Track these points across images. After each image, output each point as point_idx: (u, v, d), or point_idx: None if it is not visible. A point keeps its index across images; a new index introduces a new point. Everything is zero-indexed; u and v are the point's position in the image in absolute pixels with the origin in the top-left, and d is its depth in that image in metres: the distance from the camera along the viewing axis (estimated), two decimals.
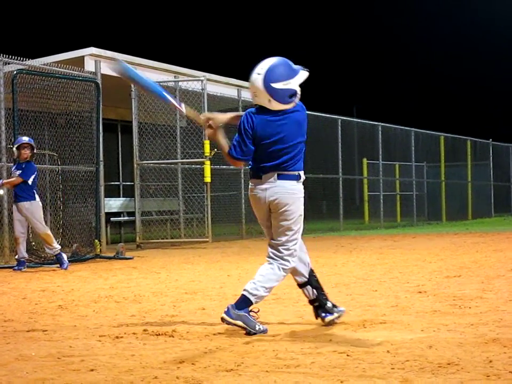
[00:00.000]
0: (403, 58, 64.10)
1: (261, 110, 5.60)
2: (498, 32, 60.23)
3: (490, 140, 33.20)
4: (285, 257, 5.62)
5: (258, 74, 5.53)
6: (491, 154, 33.07)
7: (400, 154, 27.75)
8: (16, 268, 11.64)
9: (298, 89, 5.59)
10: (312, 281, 5.84)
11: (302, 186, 5.69)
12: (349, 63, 62.52)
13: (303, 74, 5.62)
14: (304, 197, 5.72)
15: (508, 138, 35.98)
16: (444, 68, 63.85)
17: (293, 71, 5.59)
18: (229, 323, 5.51)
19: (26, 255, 11.82)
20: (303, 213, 5.68)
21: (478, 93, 61.86)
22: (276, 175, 5.58)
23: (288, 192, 5.58)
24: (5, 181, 12.02)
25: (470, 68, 61.16)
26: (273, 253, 5.66)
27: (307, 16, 68.03)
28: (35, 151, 12.00)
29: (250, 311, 5.56)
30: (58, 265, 11.85)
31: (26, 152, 11.71)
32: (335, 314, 5.79)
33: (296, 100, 5.61)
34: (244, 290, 5.57)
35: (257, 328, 5.48)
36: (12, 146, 12.31)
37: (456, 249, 13.94)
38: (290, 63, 5.65)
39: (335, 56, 61.10)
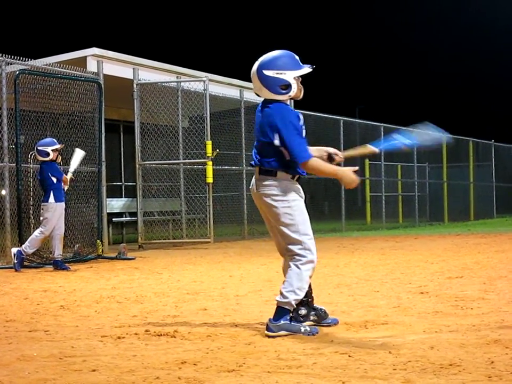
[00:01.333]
0: (405, 59, 64.10)
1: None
2: (501, 33, 60.23)
3: (493, 140, 33.18)
4: (297, 253, 5.51)
5: (257, 61, 5.57)
6: (493, 155, 33.05)
7: (402, 155, 27.73)
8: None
9: (293, 83, 5.52)
10: None
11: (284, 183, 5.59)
12: (351, 64, 62.54)
13: (303, 70, 5.58)
14: (305, 197, 5.70)
15: (510, 139, 35.96)
16: (446, 69, 63.86)
17: (293, 64, 5.55)
18: (274, 337, 5.42)
19: None
20: (292, 205, 5.55)
21: (481, 93, 61.87)
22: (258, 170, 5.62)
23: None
24: (67, 177, 12.11)
25: (472, 68, 61.15)
26: (287, 254, 5.61)
27: (310, 17, 68.06)
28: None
29: (292, 317, 5.53)
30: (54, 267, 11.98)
31: (57, 154, 11.91)
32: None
33: (291, 93, 5.54)
34: (276, 301, 5.53)
35: (302, 330, 5.43)
36: (13, 146, 12.35)
37: (458, 250, 13.93)
38: (296, 58, 5.60)
39: (337, 57, 61.11)
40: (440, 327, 5.57)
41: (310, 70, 5.60)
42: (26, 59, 13.58)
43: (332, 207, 24.04)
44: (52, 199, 11.78)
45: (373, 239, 18.79)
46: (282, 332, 5.41)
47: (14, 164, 12.70)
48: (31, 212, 13.06)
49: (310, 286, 5.74)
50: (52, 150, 11.78)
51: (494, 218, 32.02)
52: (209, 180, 16.56)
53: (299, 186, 5.66)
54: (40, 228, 11.85)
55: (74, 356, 4.85)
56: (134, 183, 17.81)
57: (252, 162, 5.67)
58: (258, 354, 4.78)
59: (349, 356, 4.63)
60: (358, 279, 9.17)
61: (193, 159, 17.66)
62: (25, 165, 13.14)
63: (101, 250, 13.90)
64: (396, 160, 27.61)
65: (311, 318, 5.77)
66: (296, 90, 5.56)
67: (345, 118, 24.35)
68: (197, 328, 5.80)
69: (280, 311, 5.47)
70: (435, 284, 8.47)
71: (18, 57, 13.34)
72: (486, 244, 15.31)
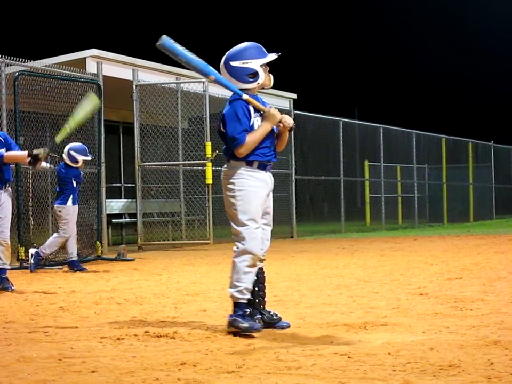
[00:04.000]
0: (404, 60, 64.13)
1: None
2: (500, 35, 60.26)
3: (492, 142, 33.20)
4: (235, 243, 5.70)
5: (224, 55, 5.71)
6: (493, 156, 33.06)
7: (401, 156, 27.76)
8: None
9: (260, 70, 5.65)
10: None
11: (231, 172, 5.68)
12: (350, 65, 62.55)
13: (269, 57, 5.70)
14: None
15: (510, 141, 35.99)
16: (445, 70, 63.88)
17: (258, 53, 5.69)
18: (230, 333, 5.55)
19: None
20: (237, 194, 5.65)
21: (480, 95, 61.89)
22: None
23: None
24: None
25: (471, 69, 61.18)
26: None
27: (308, 18, 68.08)
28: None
29: (244, 314, 5.56)
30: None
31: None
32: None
33: (259, 81, 5.67)
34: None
35: (241, 326, 5.48)
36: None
37: (457, 251, 13.93)
38: (261, 47, 5.74)
39: (336, 58, 61.12)
40: (440, 328, 5.57)
41: (275, 56, 5.72)
42: (26, 60, 13.57)
43: (332, 208, 24.04)
44: (70, 202, 11.86)
45: (373, 240, 18.80)
46: (232, 329, 5.53)
47: (14, 165, 12.68)
48: (31, 213, 13.05)
49: (262, 288, 5.82)
50: (82, 160, 11.91)
51: (494, 219, 32.02)
52: (209, 181, 16.57)
53: (260, 173, 5.67)
54: (59, 230, 11.90)
55: (74, 357, 4.85)
56: (134, 184, 17.81)
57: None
58: (258, 356, 4.78)
59: (349, 357, 4.63)
60: (357, 280, 9.17)
61: (193, 160, 17.67)
62: (25, 167, 13.12)
63: (100, 252, 13.89)
64: (395, 162, 27.62)
65: (257, 321, 5.73)
66: (264, 78, 5.70)
67: (345, 119, 24.36)
68: (196, 329, 5.80)
69: (234, 306, 5.64)
70: (434, 285, 8.47)
71: (17, 58, 13.33)
72: (485, 245, 15.31)
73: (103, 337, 5.58)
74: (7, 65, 13.15)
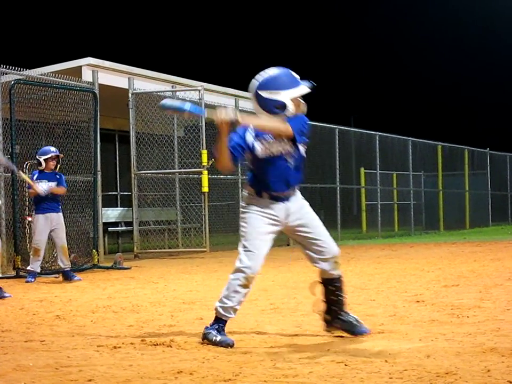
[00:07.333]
0: (400, 68, 64.23)
1: None
2: (497, 41, 60.41)
3: (488, 149, 33.22)
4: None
5: (255, 79, 5.52)
6: (488, 163, 33.08)
7: (397, 163, 27.76)
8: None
9: (289, 103, 5.44)
10: None
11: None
12: (346, 73, 62.65)
13: (300, 89, 5.50)
14: None
15: (506, 148, 36.00)
16: (440, 77, 64.01)
17: (288, 83, 5.47)
18: (203, 344, 5.54)
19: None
20: (245, 216, 5.64)
21: (476, 102, 62.01)
22: None
23: None
24: (54, 188, 11.90)
25: (467, 77, 61.30)
26: None
27: (305, 26, 68.22)
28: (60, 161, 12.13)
29: (219, 328, 5.54)
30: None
31: (53, 163, 11.82)
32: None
33: (287, 113, 5.45)
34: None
35: (213, 340, 5.46)
36: (9, 156, 12.33)
37: (454, 258, 13.93)
38: (293, 75, 5.53)
39: (332, 66, 61.21)
40: (436, 336, 5.57)
41: (308, 90, 5.52)
42: (22, 69, 13.57)
43: (328, 216, 23.97)
44: (34, 211, 11.87)
45: (369, 248, 18.80)
46: (205, 341, 5.52)
47: (10, 174, 12.68)
48: (27, 222, 13.04)
49: (339, 295, 5.79)
50: (44, 160, 11.78)
51: (490, 226, 32.01)
52: (205, 189, 16.58)
53: (268, 202, 5.61)
54: None
55: (70, 366, 4.85)
56: (130, 193, 17.80)
57: None
58: (255, 364, 4.78)
59: (345, 365, 4.64)
60: (354, 288, 9.17)
61: (189, 168, 17.67)
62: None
63: (96, 260, 13.88)
64: (391, 169, 27.63)
65: (336, 325, 5.76)
66: (293, 109, 5.48)
67: (341, 127, 24.38)
68: (193, 337, 5.80)
69: (215, 319, 5.60)
70: (431, 292, 8.47)
71: (13, 67, 13.33)
72: (481, 252, 15.32)
73: (99, 345, 5.57)
74: (3, 74, 13.16)
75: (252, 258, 5.53)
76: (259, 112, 5.54)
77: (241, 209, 5.72)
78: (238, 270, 5.53)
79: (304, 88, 5.51)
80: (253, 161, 5.64)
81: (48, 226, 11.74)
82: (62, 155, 12.16)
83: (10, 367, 4.85)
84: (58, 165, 12.01)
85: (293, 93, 5.47)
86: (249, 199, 5.66)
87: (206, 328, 5.58)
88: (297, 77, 5.56)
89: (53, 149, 11.98)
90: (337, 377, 4.34)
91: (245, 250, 5.56)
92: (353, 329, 5.73)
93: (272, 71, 5.53)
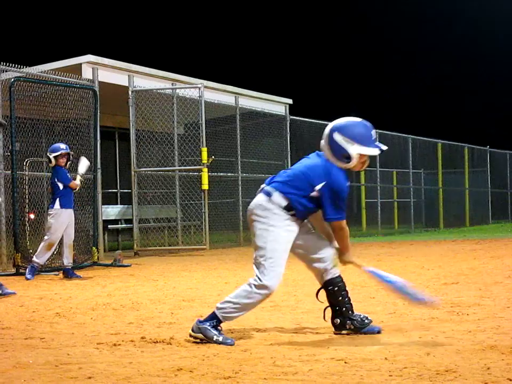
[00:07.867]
0: (400, 64, 64.18)
1: None
2: (497, 39, 60.38)
3: (488, 146, 33.22)
4: (257, 274, 5.53)
5: (336, 121, 5.58)
6: (488, 161, 33.08)
7: (397, 161, 27.75)
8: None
9: (355, 157, 5.46)
10: None
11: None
12: (345, 70, 62.60)
13: (371, 150, 5.52)
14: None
15: (506, 145, 35.97)
16: (441, 75, 63.96)
17: (364, 139, 5.48)
18: (193, 337, 5.51)
19: None
20: (269, 235, 5.57)
21: (476, 99, 61.97)
22: None
23: None
24: (76, 182, 11.98)
25: (467, 74, 61.27)
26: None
27: (303, 22, 68.16)
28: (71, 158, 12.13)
29: (216, 325, 5.49)
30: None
31: (63, 160, 11.82)
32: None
33: (349, 166, 5.50)
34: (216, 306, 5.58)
35: (214, 339, 5.41)
36: (9, 154, 12.33)
37: (453, 256, 13.93)
38: (372, 133, 5.53)
39: (331, 63, 61.16)
40: (436, 333, 5.57)
41: (377, 153, 5.56)
42: (22, 66, 13.56)
43: None
44: (57, 205, 11.74)
45: (369, 245, 18.79)
46: (200, 335, 5.47)
47: (10, 171, 12.68)
48: (27, 219, 13.03)
49: (346, 295, 5.86)
50: (54, 157, 11.76)
51: (490, 224, 32.03)
52: (205, 186, 16.57)
53: (298, 220, 5.61)
54: (46, 235, 11.84)
55: (70, 363, 4.85)
56: (130, 190, 17.79)
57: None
58: (254, 361, 4.78)
59: (345, 362, 4.64)
60: (353, 285, 9.16)
61: (189, 165, 17.66)
62: (21, 172, 13.15)
63: (96, 258, 13.87)
64: (391, 167, 27.62)
65: (347, 326, 5.74)
66: (355, 165, 5.52)
67: None
68: None
69: (211, 316, 5.52)
70: (431, 290, 8.46)
71: (13, 65, 13.32)
72: (481, 250, 15.31)
73: (99, 343, 5.57)
74: (3, 71, 13.15)
75: (276, 276, 5.47)
76: (324, 149, 5.57)
77: (264, 219, 5.54)
78: (264, 287, 5.44)
79: (375, 151, 5.54)
80: (312, 200, 5.56)
81: (67, 222, 11.79)
82: (72, 152, 12.16)
83: (10, 364, 4.85)
84: (69, 162, 12.01)
85: (364, 150, 5.50)
86: (279, 210, 5.54)
87: (200, 321, 5.52)
88: (375, 137, 5.58)
89: (63, 146, 11.96)
90: (337, 374, 4.34)
91: (271, 266, 5.47)
92: (366, 328, 5.73)
93: (355, 119, 5.58)
